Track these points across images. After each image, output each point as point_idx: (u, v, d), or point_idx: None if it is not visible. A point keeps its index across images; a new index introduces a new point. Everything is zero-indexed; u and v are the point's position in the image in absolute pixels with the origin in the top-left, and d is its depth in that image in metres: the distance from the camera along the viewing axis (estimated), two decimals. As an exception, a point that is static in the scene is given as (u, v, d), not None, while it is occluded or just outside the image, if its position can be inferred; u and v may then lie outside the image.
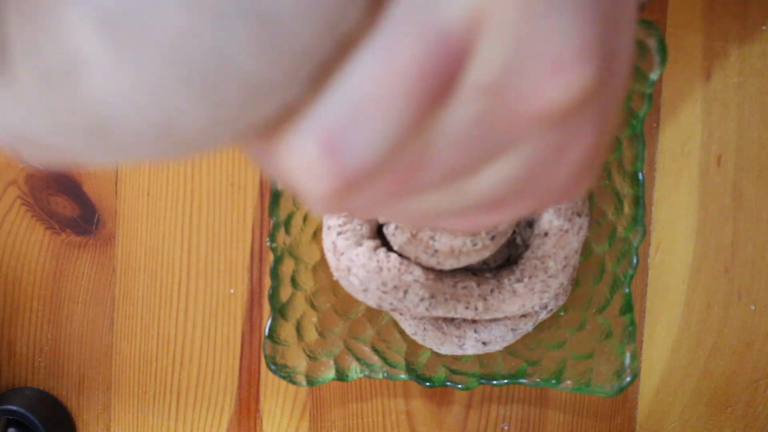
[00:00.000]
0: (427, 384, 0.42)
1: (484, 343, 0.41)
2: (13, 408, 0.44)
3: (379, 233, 0.40)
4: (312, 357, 0.42)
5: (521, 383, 0.42)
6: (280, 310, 0.42)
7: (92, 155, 0.14)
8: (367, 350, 0.43)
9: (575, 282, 0.42)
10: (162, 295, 0.46)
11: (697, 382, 0.45)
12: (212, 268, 0.46)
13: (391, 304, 0.38)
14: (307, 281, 0.42)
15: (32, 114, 0.13)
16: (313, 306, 0.43)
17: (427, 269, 0.38)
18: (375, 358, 0.43)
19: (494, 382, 0.42)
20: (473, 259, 0.37)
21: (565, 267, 0.38)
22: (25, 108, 0.12)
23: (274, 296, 0.41)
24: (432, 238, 0.36)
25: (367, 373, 0.42)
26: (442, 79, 0.13)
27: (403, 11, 0.12)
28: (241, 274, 0.45)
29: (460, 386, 0.42)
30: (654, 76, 0.39)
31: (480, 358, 0.43)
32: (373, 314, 0.43)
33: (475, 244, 0.36)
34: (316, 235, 0.42)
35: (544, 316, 0.41)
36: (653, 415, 0.46)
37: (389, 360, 0.43)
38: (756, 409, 0.45)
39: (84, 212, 0.46)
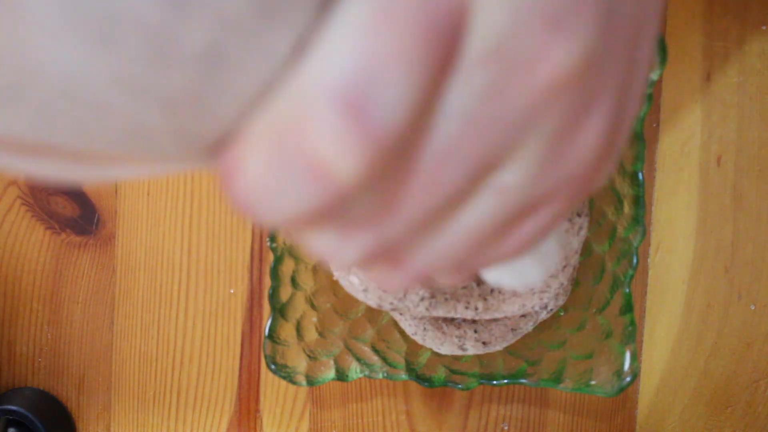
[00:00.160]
0: (427, 384, 0.42)
1: (484, 343, 0.41)
2: (13, 408, 0.44)
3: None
4: (312, 357, 0.42)
5: (521, 383, 0.42)
6: (280, 310, 0.42)
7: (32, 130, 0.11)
8: (367, 350, 0.43)
9: (575, 282, 0.42)
10: (162, 295, 0.46)
11: (697, 382, 0.45)
12: (212, 268, 0.46)
13: (391, 304, 0.38)
14: (307, 281, 0.42)
15: None
16: (313, 306, 0.43)
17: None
18: (375, 358, 0.43)
19: (494, 382, 0.42)
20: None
21: (565, 267, 0.38)
22: None
23: (274, 296, 0.41)
24: None
25: (367, 373, 0.42)
26: (447, 42, 0.11)
27: None
28: (241, 274, 0.45)
29: (460, 386, 0.42)
30: (654, 76, 0.39)
31: (480, 358, 0.43)
32: (373, 314, 0.43)
33: None
34: (316, 235, 0.42)
35: (544, 316, 0.41)
36: (653, 415, 0.46)
37: (389, 360, 0.43)
38: (756, 409, 0.45)
39: (84, 212, 0.46)
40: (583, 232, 0.39)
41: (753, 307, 0.45)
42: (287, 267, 0.42)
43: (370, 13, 0.11)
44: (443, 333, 0.41)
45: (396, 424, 0.46)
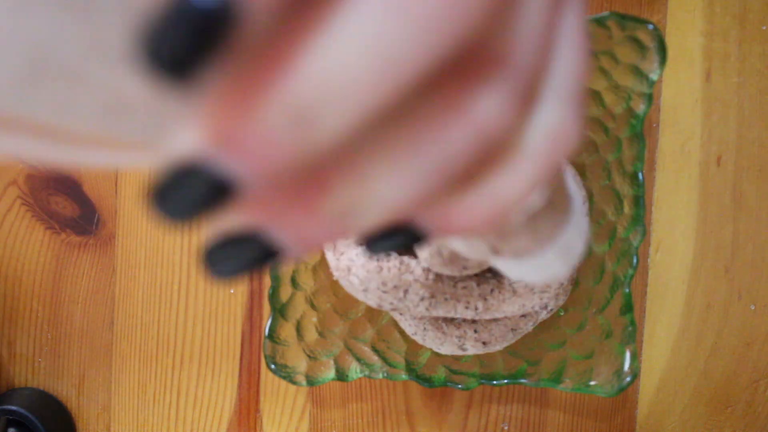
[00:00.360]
0: (427, 384, 0.42)
1: (484, 343, 0.41)
2: (13, 408, 0.44)
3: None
4: (312, 357, 0.42)
5: (521, 383, 0.42)
6: (280, 310, 0.42)
7: None
8: (367, 350, 0.43)
9: (575, 282, 0.42)
10: (162, 295, 0.46)
11: (697, 382, 0.45)
12: (212, 268, 0.45)
13: (391, 303, 0.38)
14: (307, 281, 0.42)
15: None
16: (313, 306, 0.43)
17: (427, 270, 0.38)
18: (375, 358, 0.43)
19: (494, 382, 0.42)
20: (488, 266, 0.38)
21: (565, 267, 0.38)
22: None
23: (274, 296, 0.41)
24: (466, 260, 0.37)
25: (367, 373, 0.42)
26: None
27: None
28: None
29: (460, 386, 0.42)
30: (654, 76, 0.39)
31: (480, 358, 0.43)
32: (373, 314, 0.43)
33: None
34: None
35: (544, 316, 0.41)
36: (653, 415, 0.46)
37: (389, 360, 0.43)
38: (756, 409, 0.45)
39: (84, 212, 0.46)
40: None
41: (753, 307, 0.45)
42: (287, 267, 0.42)
43: None
44: (443, 333, 0.41)
45: (396, 424, 0.46)
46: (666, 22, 0.44)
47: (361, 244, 0.15)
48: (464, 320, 0.41)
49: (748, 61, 0.44)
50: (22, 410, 0.43)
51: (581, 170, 0.41)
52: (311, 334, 0.43)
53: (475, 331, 0.40)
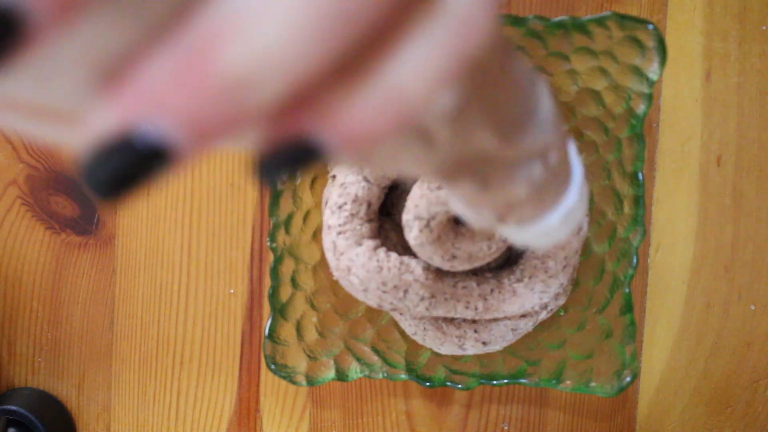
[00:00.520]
0: (427, 384, 0.42)
1: (484, 343, 0.41)
2: (13, 408, 0.44)
3: (379, 233, 0.40)
4: (312, 357, 0.42)
5: (521, 383, 0.42)
6: (280, 310, 0.42)
7: None
8: (367, 350, 0.43)
9: (575, 282, 0.42)
10: (162, 295, 0.46)
11: (697, 382, 0.45)
12: (212, 268, 0.46)
13: (391, 303, 0.38)
14: (307, 281, 0.42)
15: None
16: (313, 306, 0.43)
17: (427, 269, 0.38)
18: (375, 358, 0.43)
19: (494, 382, 0.42)
20: (484, 262, 0.38)
21: (565, 267, 0.38)
22: None
23: (274, 296, 0.41)
24: (453, 245, 0.36)
25: (367, 373, 0.42)
26: None
27: None
28: (241, 274, 0.45)
29: (460, 386, 0.42)
30: (654, 76, 0.39)
31: (480, 358, 0.43)
32: (373, 314, 0.43)
33: (490, 248, 0.37)
34: (316, 235, 0.42)
35: (544, 316, 0.41)
36: (653, 415, 0.46)
37: (389, 360, 0.43)
38: (756, 409, 0.45)
39: (84, 212, 0.46)
40: (583, 232, 0.39)
41: (753, 307, 0.45)
42: (287, 267, 0.42)
43: None
44: (443, 333, 0.41)
45: (396, 424, 0.46)
46: (666, 22, 0.44)
47: (254, 173, 0.13)
48: (464, 320, 0.41)
49: (748, 61, 0.44)
50: (22, 410, 0.43)
51: (581, 170, 0.41)
52: (311, 334, 0.43)
53: (475, 331, 0.40)
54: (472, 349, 0.41)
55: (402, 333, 0.43)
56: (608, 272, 0.42)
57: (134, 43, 0.11)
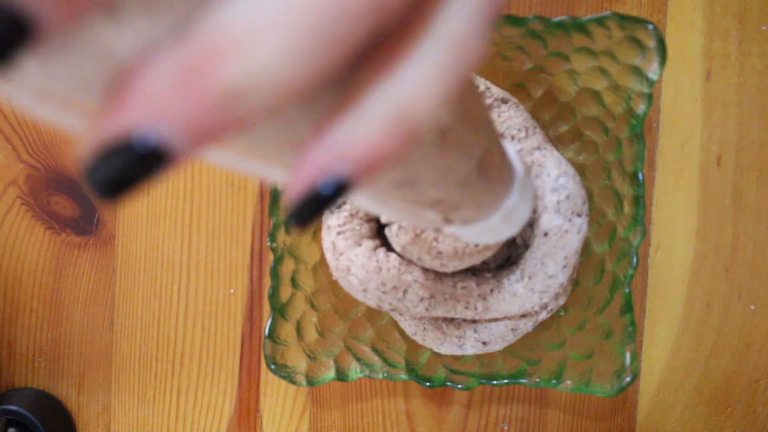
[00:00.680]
0: (427, 384, 0.42)
1: (484, 343, 0.41)
2: (13, 408, 0.44)
3: (379, 233, 0.40)
4: (312, 357, 0.42)
5: (521, 383, 0.42)
6: (280, 310, 0.42)
7: None
8: (367, 350, 0.43)
9: (575, 282, 0.42)
10: (162, 295, 0.46)
11: (697, 382, 0.45)
12: (212, 268, 0.46)
13: (390, 304, 0.38)
14: (307, 281, 0.42)
15: None
16: (313, 306, 0.43)
17: (426, 269, 0.38)
18: (375, 358, 0.43)
19: (494, 382, 0.42)
20: (476, 260, 0.37)
21: (565, 267, 0.38)
22: None
23: (274, 296, 0.41)
24: (435, 239, 0.36)
25: (367, 373, 0.42)
26: None
27: None
28: (241, 274, 0.45)
29: (460, 386, 0.42)
30: (654, 76, 0.39)
31: (480, 358, 0.43)
32: (373, 314, 0.43)
33: (477, 245, 0.36)
34: (316, 235, 0.42)
35: (544, 316, 0.41)
36: (653, 415, 0.46)
37: (389, 360, 0.43)
38: (756, 409, 0.45)
39: (84, 212, 0.46)
40: (583, 233, 0.39)
41: (753, 307, 0.45)
42: (287, 267, 0.42)
43: None
44: (443, 333, 0.41)
45: (396, 424, 0.46)
46: (666, 22, 0.44)
47: (288, 220, 0.14)
48: (464, 320, 0.40)
49: (748, 61, 0.44)
50: (22, 410, 0.43)
51: (581, 170, 0.41)
52: (311, 334, 0.43)
53: (475, 331, 0.40)
54: (472, 349, 0.41)
55: (402, 333, 0.43)
56: (608, 272, 0.42)
57: (140, 49, 0.12)
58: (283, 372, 0.41)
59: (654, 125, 0.44)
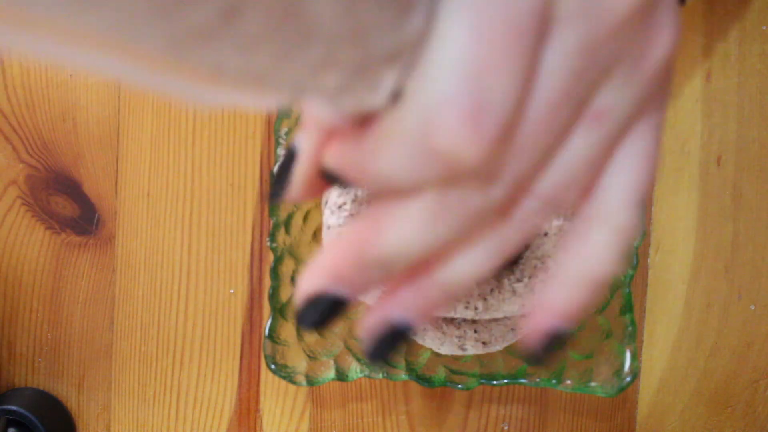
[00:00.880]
0: (427, 384, 0.42)
1: (484, 343, 0.41)
2: (13, 408, 0.44)
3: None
4: (312, 357, 0.42)
5: (521, 383, 0.42)
6: (280, 310, 0.42)
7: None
8: (367, 350, 0.43)
9: (575, 282, 0.42)
10: (162, 295, 0.46)
11: (697, 382, 0.45)
12: (212, 268, 0.46)
13: (391, 304, 0.38)
14: (307, 281, 0.42)
15: None
16: (313, 306, 0.43)
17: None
18: (375, 358, 0.43)
19: (494, 382, 0.42)
20: None
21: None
22: None
23: (274, 296, 0.41)
24: None
25: (367, 373, 0.42)
26: (539, 23, 0.14)
27: None
28: (241, 274, 0.45)
29: (460, 386, 0.42)
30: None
31: (480, 358, 0.43)
32: (373, 314, 0.43)
33: None
34: (316, 235, 0.42)
35: (544, 316, 0.41)
36: (653, 415, 0.46)
37: (389, 360, 0.43)
38: (756, 409, 0.45)
39: (84, 212, 0.46)
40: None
41: (753, 307, 0.45)
42: (287, 267, 0.42)
43: (470, 22, 0.14)
44: (443, 333, 0.41)
45: (396, 424, 0.46)
46: (666, 22, 0.44)
47: (369, 361, 0.21)
48: (464, 320, 0.41)
49: (748, 61, 0.44)
50: (22, 410, 0.43)
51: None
52: (311, 334, 0.43)
53: (475, 331, 0.40)
54: (472, 349, 0.41)
55: (402, 333, 0.43)
56: (608, 272, 0.42)
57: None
58: (283, 372, 0.41)
59: (654, 125, 0.44)
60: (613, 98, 0.17)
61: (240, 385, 0.46)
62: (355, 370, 0.43)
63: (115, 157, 0.45)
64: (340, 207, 0.39)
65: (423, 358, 0.43)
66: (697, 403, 0.46)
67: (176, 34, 0.13)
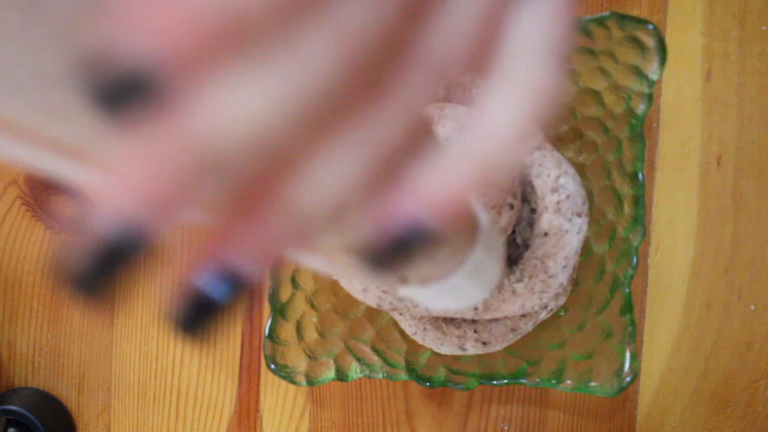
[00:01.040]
0: (427, 384, 0.42)
1: (484, 343, 0.41)
2: (13, 408, 0.44)
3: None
4: (312, 357, 0.42)
5: (521, 383, 0.42)
6: (280, 310, 0.42)
7: None
8: (367, 350, 0.43)
9: (575, 282, 0.42)
10: (162, 295, 0.46)
11: (697, 382, 0.45)
12: (212, 268, 0.46)
13: (390, 303, 0.38)
14: (307, 281, 0.42)
15: None
16: (313, 306, 0.43)
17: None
18: (375, 358, 0.43)
19: (494, 382, 0.42)
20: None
21: (565, 267, 0.38)
22: None
23: (274, 296, 0.41)
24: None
25: (367, 373, 0.42)
26: None
27: None
28: (241, 274, 0.45)
29: (460, 386, 0.42)
30: (654, 76, 0.39)
31: (480, 358, 0.43)
32: (373, 314, 0.43)
33: None
34: (316, 235, 0.42)
35: (544, 316, 0.41)
36: (653, 415, 0.46)
37: (389, 360, 0.43)
38: (756, 409, 0.45)
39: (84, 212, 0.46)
40: (583, 233, 0.39)
41: (753, 307, 0.45)
42: (287, 267, 0.42)
43: None
44: (443, 333, 0.41)
45: (396, 424, 0.46)
46: (666, 22, 0.44)
47: (364, 265, 0.14)
48: (464, 320, 0.41)
49: (748, 61, 0.44)
50: (22, 410, 0.43)
51: (581, 170, 0.41)
52: (311, 334, 0.43)
53: (475, 331, 0.40)
54: (472, 349, 0.41)
55: (402, 333, 0.43)
56: (608, 272, 0.42)
57: None
58: (283, 372, 0.41)
59: (654, 125, 0.44)
60: None
61: (240, 385, 0.46)
62: (355, 370, 0.43)
63: (115, 157, 0.45)
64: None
65: (423, 358, 0.43)
66: (697, 403, 0.46)
67: None
